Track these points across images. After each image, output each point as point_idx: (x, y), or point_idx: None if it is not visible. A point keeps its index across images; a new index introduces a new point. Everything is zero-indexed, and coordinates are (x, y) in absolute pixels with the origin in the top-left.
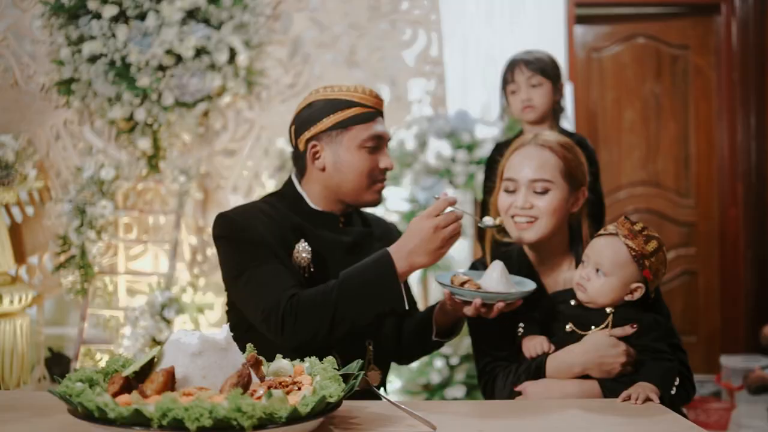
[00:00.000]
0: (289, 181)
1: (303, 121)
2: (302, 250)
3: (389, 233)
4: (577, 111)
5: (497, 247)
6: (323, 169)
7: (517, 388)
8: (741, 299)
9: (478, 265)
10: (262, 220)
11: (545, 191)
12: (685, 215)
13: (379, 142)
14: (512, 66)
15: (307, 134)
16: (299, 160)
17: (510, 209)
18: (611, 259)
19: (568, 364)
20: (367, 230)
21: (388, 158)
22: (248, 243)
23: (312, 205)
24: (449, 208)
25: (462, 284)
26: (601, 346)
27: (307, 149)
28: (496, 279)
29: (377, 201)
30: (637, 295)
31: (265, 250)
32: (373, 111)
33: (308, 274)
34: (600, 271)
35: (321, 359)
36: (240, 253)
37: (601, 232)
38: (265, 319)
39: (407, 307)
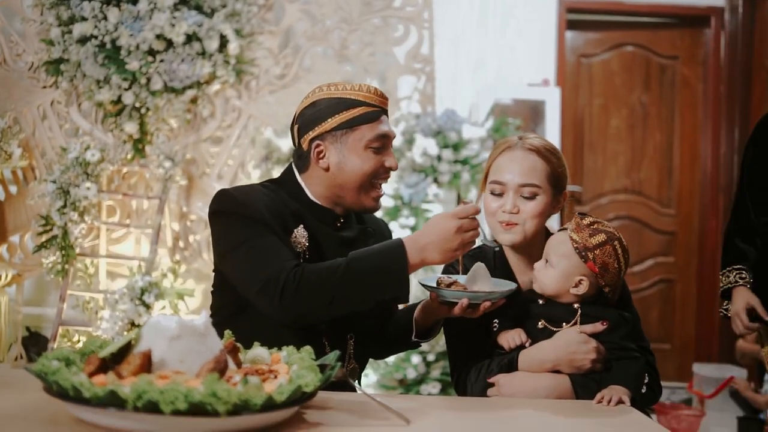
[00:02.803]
0: (289, 170)
1: (307, 120)
2: (300, 235)
3: (381, 230)
4: (564, 116)
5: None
6: (327, 169)
7: (490, 380)
8: (716, 310)
9: (450, 269)
10: (264, 200)
11: (533, 196)
12: (665, 224)
13: (384, 142)
14: None
15: (311, 134)
16: (302, 158)
17: (497, 213)
18: (555, 251)
19: (539, 360)
20: (362, 227)
21: (392, 158)
22: (249, 218)
23: (311, 197)
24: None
25: (448, 286)
26: (572, 343)
27: (311, 149)
28: (480, 280)
29: (375, 207)
30: (582, 287)
31: (265, 227)
32: (379, 110)
33: (303, 260)
34: (548, 263)
35: (315, 347)
36: (240, 227)
37: (561, 227)
38: (263, 288)
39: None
